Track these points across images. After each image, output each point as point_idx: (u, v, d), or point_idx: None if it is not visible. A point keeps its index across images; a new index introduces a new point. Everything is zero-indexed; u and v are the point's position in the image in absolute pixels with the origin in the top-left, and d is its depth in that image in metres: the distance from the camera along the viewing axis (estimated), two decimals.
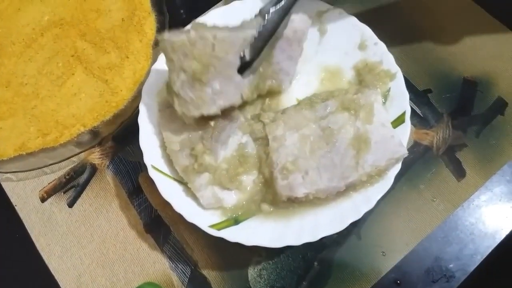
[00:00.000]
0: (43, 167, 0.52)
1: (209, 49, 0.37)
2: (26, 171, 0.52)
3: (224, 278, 0.48)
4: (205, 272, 0.48)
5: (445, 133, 0.51)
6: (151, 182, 0.52)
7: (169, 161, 0.45)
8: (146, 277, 0.49)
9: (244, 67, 0.41)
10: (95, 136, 0.52)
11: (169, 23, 0.56)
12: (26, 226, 0.52)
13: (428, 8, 0.59)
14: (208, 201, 0.43)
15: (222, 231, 0.42)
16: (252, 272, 0.48)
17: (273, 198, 0.43)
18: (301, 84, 0.49)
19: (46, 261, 0.50)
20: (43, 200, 0.53)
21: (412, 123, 0.52)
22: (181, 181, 0.44)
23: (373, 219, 0.49)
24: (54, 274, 0.50)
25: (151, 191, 0.52)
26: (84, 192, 0.53)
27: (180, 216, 0.43)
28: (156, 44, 0.56)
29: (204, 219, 0.43)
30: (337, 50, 0.50)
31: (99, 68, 0.55)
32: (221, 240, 0.48)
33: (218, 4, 0.60)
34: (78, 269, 0.50)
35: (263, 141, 0.44)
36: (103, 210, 0.52)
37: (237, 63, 0.40)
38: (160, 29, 0.57)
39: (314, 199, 0.42)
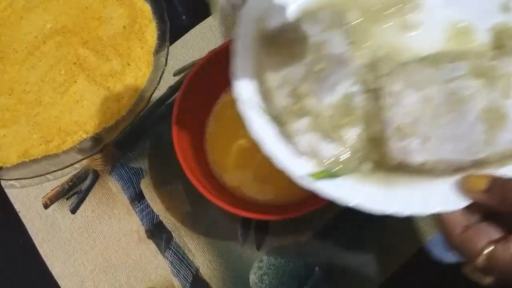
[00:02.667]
0: (46, 174, 0.52)
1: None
2: (29, 178, 0.52)
3: (225, 283, 0.48)
4: (206, 277, 0.49)
5: None
6: (153, 188, 0.53)
7: (265, 98, 0.38)
8: (148, 283, 0.49)
9: None
10: (97, 143, 0.53)
11: (170, 30, 0.56)
12: (30, 233, 0.52)
13: None
14: (305, 148, 0.37)
15: (315, 182, 0.36)
16: (253, 277, 0.48)
17: (380, 159, 0.37)
18: (423, 39, 0.41)
19: (50, 267, 0.51)
20: (46, 206, 0.53)
21: None
22: (276, 122, 0.38)
23: (374, 223, 0.49)
24: (57, 280, 0.50)
25: (153, 197, 0.52)
26: (87, 199, 0.53)
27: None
28: (157, 51, 0.56)
29: (296, 167, 0.37)
30: (472, 5, 0.41)
31: (101, 75, 0.55)
32: (223, 245, 0.48)
33: None
34: (81, 275, 0.50)
35: (374, 94, 0.38)
36: (106, 216, 0.52)
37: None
38: (161, 36, 0.57)
39: (428, 169, 0.36)
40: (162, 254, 0.50)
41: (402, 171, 0.36)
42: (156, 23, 0.58)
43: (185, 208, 0.51)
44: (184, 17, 0.62)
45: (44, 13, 0.59)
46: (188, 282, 0.49)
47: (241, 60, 0.39)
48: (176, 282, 0.49)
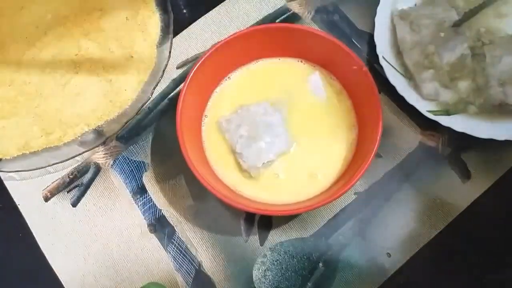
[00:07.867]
0: (46, 167, 0.52)
1: (252, 116, 0.49)
2: (30, 170, 0.52)
3: (228, 279, 0.48)
4: (209, 272, 0.48)
5: (450, 134, 0.51)
6: (156, 182, 0.52)
7: (396, 56, 0.53)
8: (150, 277, 0.49)
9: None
10: (99, 136, 0.52)
11: (173, 22, 0.56)
12: (30, 226, 0.52)
13: None
14: (429, 92, 0.51)
15: (437, 116, 0.50)
16: (256, 273, 0.48)
17: (484, 101, 0.50)
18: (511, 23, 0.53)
19: (50, 261, 0.50)
20: (46, 199, 0.52)
21: (417, 124, 0.52)
22: (402, 74, 0.52)
23: (378, 220, 0.49)
24: (58, 274, 0.49)
25: (156, 190, 0.52)
26: (88, 192, 0.52)
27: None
28: (160, 43, 0.56)
29: (421, 105, 0.50)
30: None
31: (103, 67, 0.55)
32: (226, 240, 0.48)
33: (223, 3, 0.60)
34: (82, 269, 0.49)
35: (479, 57, 0.51)
36: (107, 210, 0.51)
37: (278, 120, 0.49)
38: (165, 28, 0.56)
39: None
40: (164, 248, 0.50)
41: (502, 110, 0.50)
42: (160, 14, 0.57)
43: (188, 202, 0.51)
44: (187, 9, 0.61)
45: (45, 3, 0.58)
46: (191, 277, 0.48)
47: (380, 29, 0.54)
48: (178, 277, 0.48)
